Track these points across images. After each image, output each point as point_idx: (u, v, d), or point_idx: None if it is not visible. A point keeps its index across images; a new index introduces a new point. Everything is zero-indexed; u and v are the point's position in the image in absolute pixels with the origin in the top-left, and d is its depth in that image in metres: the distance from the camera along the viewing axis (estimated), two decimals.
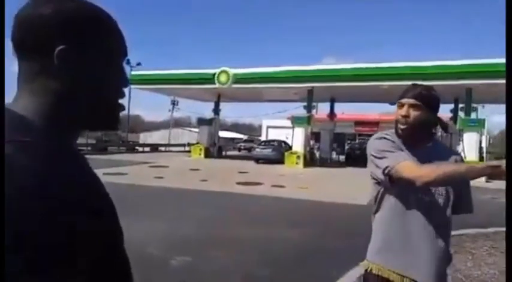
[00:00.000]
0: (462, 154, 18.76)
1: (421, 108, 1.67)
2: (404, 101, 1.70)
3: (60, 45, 0.65)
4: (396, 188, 1.70)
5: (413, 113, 1.67)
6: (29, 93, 0.67)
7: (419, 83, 1.80)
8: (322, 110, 34.04)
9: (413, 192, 1.67)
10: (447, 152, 1.82)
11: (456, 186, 1.71)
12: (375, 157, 1.71)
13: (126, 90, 0.79)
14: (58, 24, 0.66)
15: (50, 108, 0.67)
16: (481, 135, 19.96)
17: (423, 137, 1.74)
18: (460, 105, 20.50)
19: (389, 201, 1.74)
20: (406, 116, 1.67)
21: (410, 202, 1.68)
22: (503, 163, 1.35)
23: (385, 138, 1.75)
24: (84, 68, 0.68)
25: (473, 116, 19.77)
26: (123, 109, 0.77)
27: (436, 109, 1.75)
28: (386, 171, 1.64)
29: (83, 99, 0.69)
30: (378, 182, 1.74)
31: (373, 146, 1.76)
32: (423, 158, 1.67)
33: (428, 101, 1.70)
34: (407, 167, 1.58)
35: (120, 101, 0.76)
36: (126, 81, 0.76)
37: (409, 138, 1.71)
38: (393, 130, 1.77)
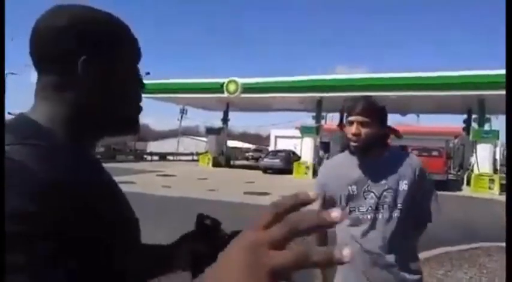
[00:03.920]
0: (475, 166, 18.41)
1: (370, 124, 1.65)
2: (353, 118, 1.67)
3: (82, 56, 0.66)
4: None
5: (364, 130, 1.65)
6: (49, 104, 0.67)
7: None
8: (331, 119, 33.89)
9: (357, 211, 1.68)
10: (404, 161, 1.73)
11: (413, 199, 1.68)
12: None
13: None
14: (77, 35, 0.66)
15: (74, 117, 0.67)
16: (495, 147, 19.57)
17: (377, 150, 1.71)
18: (474, 116, 20.19)
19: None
20: (357, 134, 1.65)
21: (356, 221, 1.68)
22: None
23: (321, 171, 1.89)
24: (105, 76, 0.69)
25: (486, 127, 19.42)
26: (141, 110, 0.78)
27: (385, 120, 1.74)
28: None
29: (104, 106, 0.70)
30: None
31: None
32: (379, 170, 1.69)
33: (376, 114, 1.68)
34: None
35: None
36: (142, 85, 0.77)
37: (363, 154, 1.70)
38: (345, 152, 1.79)
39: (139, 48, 0.77)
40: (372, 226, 1.65)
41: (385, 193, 1.65)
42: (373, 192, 1.66)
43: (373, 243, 1.64)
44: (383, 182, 1.66)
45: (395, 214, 1.64)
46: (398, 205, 1.65)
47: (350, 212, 1.67)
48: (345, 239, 1.72)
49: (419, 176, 1.70)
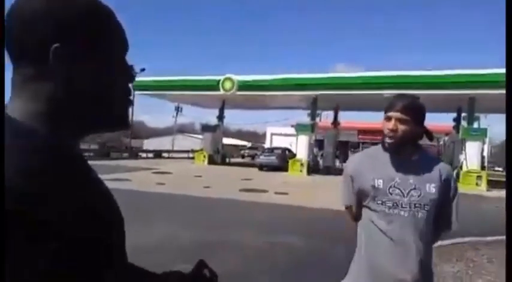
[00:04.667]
0: (464, 163, 18.56)
1: (408, 122, 1.65)
2: (391, 114, 1.68)
3: (55, 43, 0.60)
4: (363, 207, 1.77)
5: (401, 127, 1.65)
6: (25, 97, 0.62)
7: (405, 92, 1.86)
8: (325, 117, 34.10)
9: (380, 208, 1.69)
10: (434, 164, 1.75)
11: (438, 203, 1.69)
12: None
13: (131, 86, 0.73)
14: (52, 20, 0.60)
15: (49, 112, 0.62)
16: (483, 145, 19.95)
17: (410, 150, 1.72)
18: (463, 115, 20.52)
19: (365, 216, 1.78)
20: (393, 130, 1.66)
21: (379, 218, 1.69)
22: None
23: (348, 164, 1.91)
24: (83, 65, 0.63)
25: (475, 125, 19.78)
26: (131, 104, 0.72)
27: (423, 120, 1.73)
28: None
29: (84, 99, 0.64)
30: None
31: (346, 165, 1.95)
32: (409, 171, 1.69)
33: (416, 113, 1.68)
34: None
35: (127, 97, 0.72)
36: (130, 77, 0.71)
37: (396, 152, 1.71)
38: (377, 146, 1.80)
39: (125, 37, 0.70)
40: (397, 221, 1.65)
41: (412, 192, 1.65)
42: (399, 189, 1.66)
43: (396, 238, 1.65)
44: (411, 181, 1.66)
45: (420, 214, 1.65)
46: (425, 207, 1.65)
47: (378, 205, 1.68)
48: (371, 229, 1.73)
49: (446, 182, 1.71)
